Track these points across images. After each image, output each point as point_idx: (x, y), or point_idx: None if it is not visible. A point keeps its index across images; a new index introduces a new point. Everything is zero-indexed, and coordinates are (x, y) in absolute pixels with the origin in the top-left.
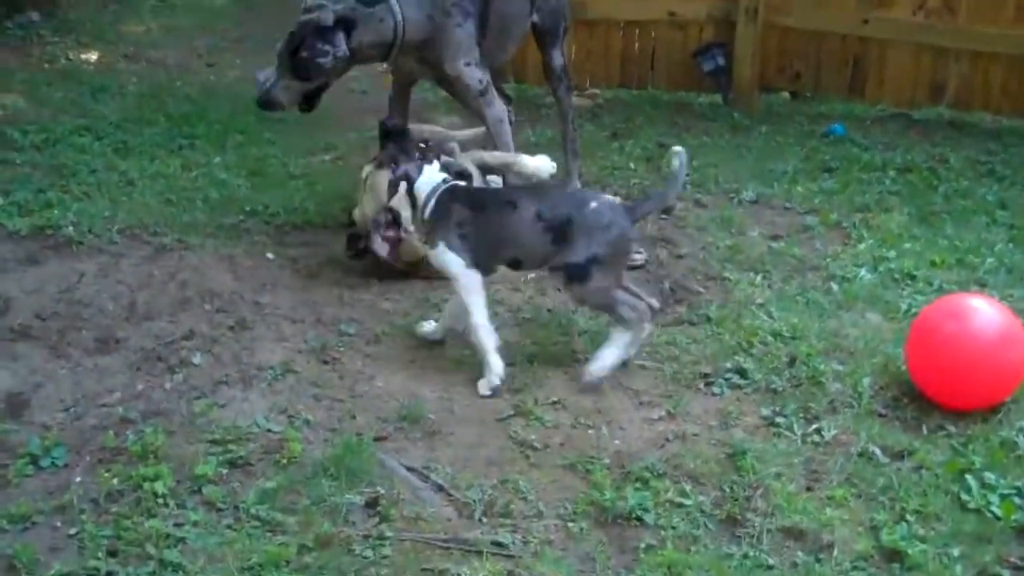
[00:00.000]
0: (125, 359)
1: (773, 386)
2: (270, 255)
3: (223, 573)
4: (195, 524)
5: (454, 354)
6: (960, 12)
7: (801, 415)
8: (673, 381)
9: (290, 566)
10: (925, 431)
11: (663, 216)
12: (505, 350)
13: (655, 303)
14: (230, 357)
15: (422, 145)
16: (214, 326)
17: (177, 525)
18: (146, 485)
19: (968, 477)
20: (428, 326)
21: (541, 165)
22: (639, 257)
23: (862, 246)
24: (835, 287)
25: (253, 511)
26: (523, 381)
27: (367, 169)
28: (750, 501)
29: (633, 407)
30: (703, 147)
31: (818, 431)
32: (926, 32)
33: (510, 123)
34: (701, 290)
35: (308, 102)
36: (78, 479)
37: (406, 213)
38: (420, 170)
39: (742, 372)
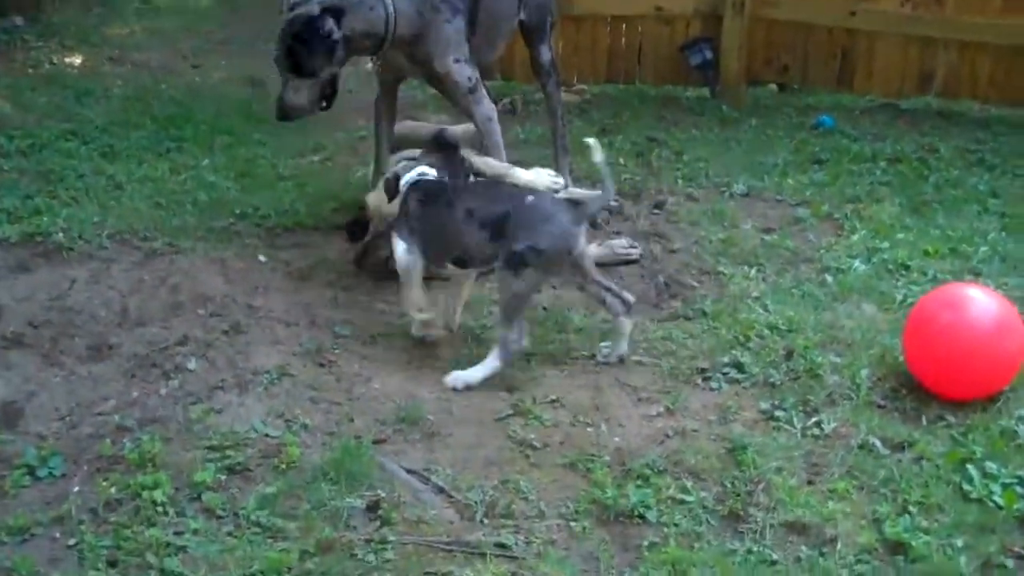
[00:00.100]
0: (119, 366)
1: (771, 380)
2: (262, 258)
3: None
4: (195, 532)
5: (451, 354)
6: (947, 2)
7: (800, 408)
8: (671, 377)
9: (292, 572)
10: (924, 422)
11: (655, 211)
12: None
13: (629, 297)
14: (225, 362)
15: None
16: (208, 330)
17: (177, 533)
18: (145, 493)
19: (969, 467)
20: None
21: (535, 179)
22: (635, 252)
23: (855, 237)
24: (829, 279)
25: (253, 517)
26: (520, 380)
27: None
28: (752, 496)
29: (631, 404)
30: (692, 141)
31: (817, 424)
32: (913, 23)
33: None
34: (696, 284)
35: (325, 99)
36: (76, 489)
37: (393, 208)
38: (409, 169)
39: (739, 366)
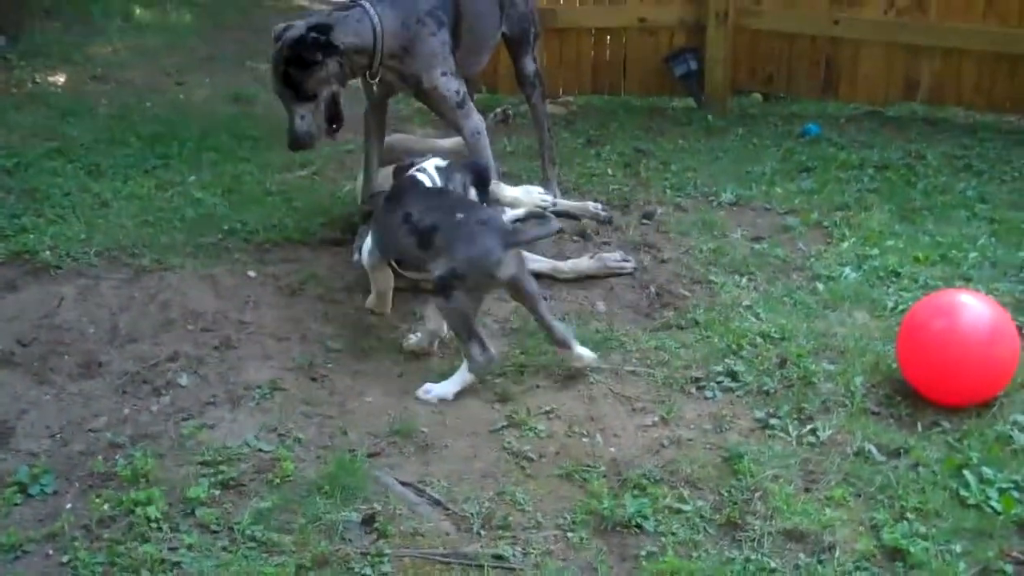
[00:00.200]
0: (110, 383)
1: (765, 388)
2: (251, 273)
3: None
4: (190, 548)
5: (442, 366)
6: (931, 9)
7: (795, 416)
8: (665, 386)
9: None
10: (920, 428)
11: (644, 221)
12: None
13: (564, 338)
14: (216, 377)
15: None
16: (199, 346)
17: (172, 549)
18: (138, 510)
19: (966, 472)
20: (414, 338)
21: (520, 196)
22: (628, 265)
23: (845, 245)
24: (820, 287)
25: (248, 532)
26: (514, 391)
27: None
28: (749, 504)
29: (626, 414)
30: (680, 151)
31: (813, 432)
32: (897, 30)
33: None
34: (687, 294)
35: (332, 121)
36: (69, 506)
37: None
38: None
39: (733, 375)
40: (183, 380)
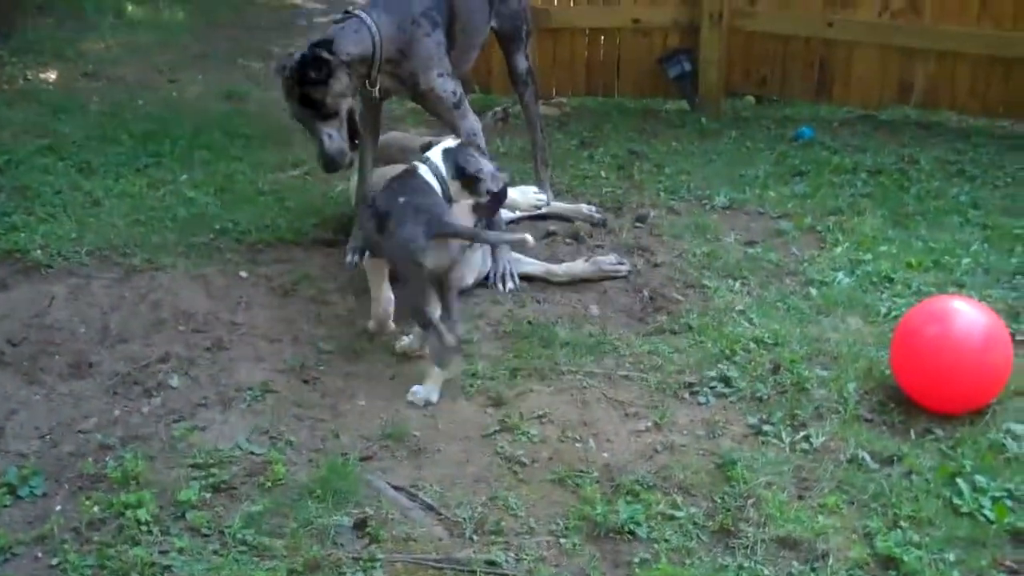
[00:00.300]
0: (100, 384)
1: (758, 394)
2: (243, 273)
3: None
4: (180, 551)
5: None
6: (925, 12)
7: (788, 423)
8: (658, 391)
9: None
10: (913, 435)
11: (638, 224)
12: (487, 364)
13: (450, 341)
14: (208, 379)
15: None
16: (190, 347)
17: (162, 552)
18: (128, 512)
19: (959, 481)
20: (406, 340)
21: (516, 197)
22: (623, 269)
23: (838, 250)
24: (813, 292)
25: (239, 536)
26: (506, 395)
27: None
28: (742, 511)
29: (619, 419)
30: (673, 153)
31: (806, 438)
32: (892, 33)
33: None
34: (680, 298)
35: (353, 135)
36: (58, 508)
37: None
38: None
39: (726, 380)
40: (174, 381)
